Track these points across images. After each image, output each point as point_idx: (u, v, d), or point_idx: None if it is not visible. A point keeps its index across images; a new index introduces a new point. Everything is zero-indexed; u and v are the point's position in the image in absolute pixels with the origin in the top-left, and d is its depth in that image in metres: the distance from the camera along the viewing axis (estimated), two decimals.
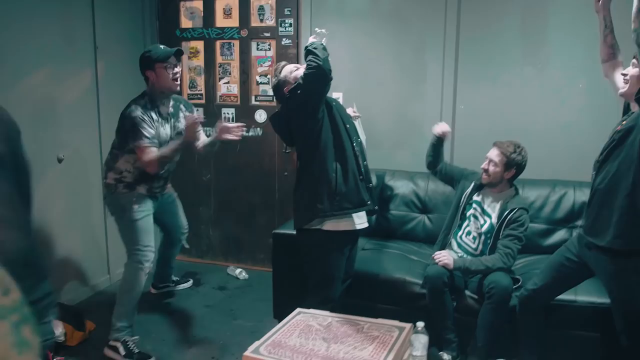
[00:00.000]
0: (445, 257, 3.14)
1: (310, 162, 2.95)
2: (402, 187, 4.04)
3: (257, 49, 4.59)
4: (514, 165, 3.20)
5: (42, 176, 3.78)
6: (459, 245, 3.36)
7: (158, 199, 3.59)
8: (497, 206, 3.28)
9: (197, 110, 3.54)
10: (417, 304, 3.28)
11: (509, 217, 3.17)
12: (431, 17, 4.07)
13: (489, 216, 3.29)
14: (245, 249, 4.92)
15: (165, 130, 3.39)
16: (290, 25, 4.42)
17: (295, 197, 3.07)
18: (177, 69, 3.36)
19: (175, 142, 3.36)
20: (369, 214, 3.13)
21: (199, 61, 4.81)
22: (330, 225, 2.92)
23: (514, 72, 3.95)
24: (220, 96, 4.79)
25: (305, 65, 2.88)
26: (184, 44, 4.80)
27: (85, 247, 4.18)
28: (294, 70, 2.99)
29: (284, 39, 4.48)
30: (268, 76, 4.57)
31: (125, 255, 3.46)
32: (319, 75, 2.77)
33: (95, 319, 3.74)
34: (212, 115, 4.78)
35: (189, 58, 4.83)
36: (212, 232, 5.03)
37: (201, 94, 4.84)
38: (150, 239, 3.44)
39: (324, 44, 2.89)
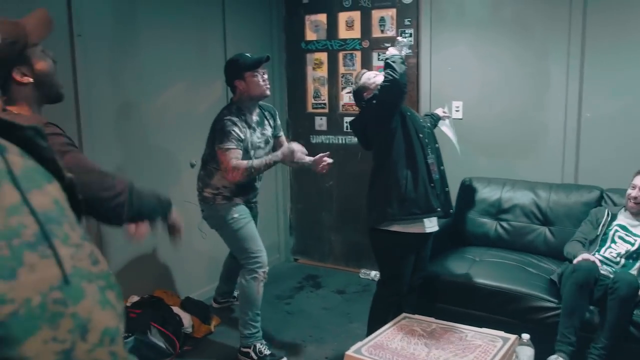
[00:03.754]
0: None
1: (383, 167, 3.07)
2: (522, 197, 3.94)
3: (379, 59, 4.67)
4: None
5: (177, 179, 4.10)
6: (602, 262, 3.23)
7: (253, 209, 3.63)
8: None
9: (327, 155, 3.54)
10: (531, 317, 3.19)
11: None
12: (555, 22, 3.94)
13: (638, 236, 3.21)
14: (365, 254, 5.00)
15: (256, 137, 3.40)
16: (411, 35, 4.46)
17: (368, 197, 3.18)
18: (266, 75, 3.36)
19: (269, 158, 3.31)
20: (442, 217, 3.20)
21: (323, 72, 4.99)
22: (398, 227, 3.01)
23: None
24: (342, 105, 4.93)
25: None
26: (308, 55, 5.00)
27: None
28: (373, 77, 3.11)
29: (404, 49, 4.53)
30: None
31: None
32: (394, 89, 2.87)
33: (221, 314, 4.01)
34: (334, 123, 4.94)
35: (313, 69, 5.02)
36: (333, 237, 5.17)
37: (324, 104, 5.01)
38: (258, 243, 3.43)
39: (403, 56, 2.98)
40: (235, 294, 4.24)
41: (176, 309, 3.68)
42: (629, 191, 3.21)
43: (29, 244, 0.55)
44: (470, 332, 2.53)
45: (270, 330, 3.79)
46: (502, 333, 2.51)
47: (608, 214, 3.35)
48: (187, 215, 4.09)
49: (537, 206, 3.88)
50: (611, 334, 2.92)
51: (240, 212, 3.42)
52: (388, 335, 2.51)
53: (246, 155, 3.34)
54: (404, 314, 2.75)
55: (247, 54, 3.40)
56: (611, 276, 3.07)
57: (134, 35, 3.74)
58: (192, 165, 4.16)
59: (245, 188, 3.46)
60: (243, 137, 3.28)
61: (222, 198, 3.40)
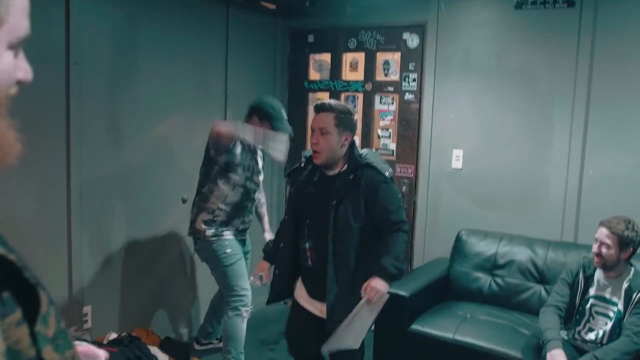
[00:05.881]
0: None
1: None
2: (518, 253, 3.81)
3: (380, 102, 4.60)
4: (629, 243, 2.83)
5: (168, 215, 4.02)
6: (576, 340, 3.06)
7: (244, 246, 3.66)
8: (622, 291, 2.94)
9: None
10: None
11: (637, 297, 2.86)
12: (561, 77, 3.84)
13: (615, 304, 2.96)
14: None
15: (255, 161, 3.57)
16: (414, 80, 4.39)
17: None
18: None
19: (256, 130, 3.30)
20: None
21: None
22: None
23: None
24: None
25: None
26: (310, 94, 4.93)
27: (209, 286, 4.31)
28: None
29: (406, 94, 4.45)
30: (389, 130, 4.56)
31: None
32: None
33: (203, 356, 3.87)
34: None
35: None
36: None
37: None
38: (245, 281, 3.48)
39: None
40: (219, 335, 4.12)
41: (154, 349, 3.55)
42: (594, 247, 2.94)
43: None
44: None
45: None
46: None
47: (582, 280, 3.05)
48: (182, 251, 4.09)
49: (534, 263, 3.75)
50: None
51: (233, 248, 3.48)
52: None
53: (239, 173, 3.46)
54: None
55: (284, 112, 3.50)
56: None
57: (132, 66, 3.68)
58: (184, 201, 4.08)
59: (240, 209, 3.51)
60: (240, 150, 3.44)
61: (212, 233, 3.44)
